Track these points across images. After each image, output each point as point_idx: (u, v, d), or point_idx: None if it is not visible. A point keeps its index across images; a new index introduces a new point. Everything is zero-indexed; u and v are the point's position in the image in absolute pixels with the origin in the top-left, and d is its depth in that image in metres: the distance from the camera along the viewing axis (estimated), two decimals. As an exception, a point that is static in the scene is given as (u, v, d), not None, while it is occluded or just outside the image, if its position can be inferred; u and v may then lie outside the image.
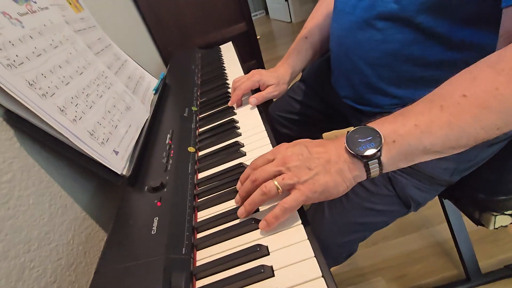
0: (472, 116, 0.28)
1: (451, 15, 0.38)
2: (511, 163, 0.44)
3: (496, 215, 0.44)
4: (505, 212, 0.43)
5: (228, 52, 0.98)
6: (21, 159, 0.35)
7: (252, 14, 4.61)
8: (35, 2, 0.44)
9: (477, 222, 0.47)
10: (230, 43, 1.05)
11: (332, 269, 0.71)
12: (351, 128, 0.34)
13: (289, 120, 0.82)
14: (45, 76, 0.39)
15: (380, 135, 0.31)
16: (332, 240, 0.51)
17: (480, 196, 0.45)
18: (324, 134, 0.90)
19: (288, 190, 0.32)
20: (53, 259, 0.35)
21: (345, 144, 0.32)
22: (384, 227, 0.51)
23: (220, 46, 1.05)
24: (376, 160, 0.31)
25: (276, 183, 0.32)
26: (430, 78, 0.44)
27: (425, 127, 0.30)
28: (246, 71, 0.84)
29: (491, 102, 0.28)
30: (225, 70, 0.83)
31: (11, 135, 0.35)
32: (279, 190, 0.32)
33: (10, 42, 0.36)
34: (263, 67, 1.29)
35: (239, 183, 0.38)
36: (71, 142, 0.38)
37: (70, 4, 0.56)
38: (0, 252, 0.29)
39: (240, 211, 0.34)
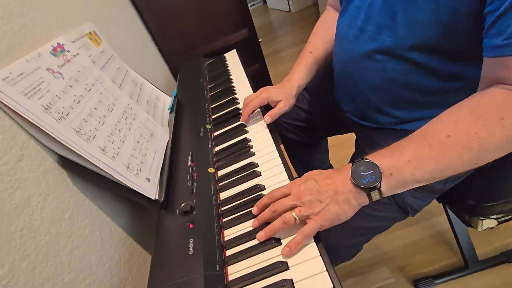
0: (455, 154, 0.35)
1: (440, 53, 0.43)
2: (497, 173, 0.49)
3: (483, 219, 0.50)
4: (491, 217, 0.49)
5: (233, 61, 1.02)
6: (75, 196, 0.42)
7: (250, 4, 4.57)
8: (68, 51, 0.49)
9: (468, 224, 0.54)
10: (234, 51, 1.09)
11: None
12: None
13: (295, 127, 0.87)
14: (86, 121, 0.45)
15: (379, 169, 0.37)
16: (340, 243, 0.58)
17: (470, 202, 0.51)
18: (330, 139, 0.96)
19: (303, 220, 0.39)
20: (108, 278, 0.43)
21: (351, 177, 0.38)
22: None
23: (224, 55, 1.09)
24: (377, 190, 0.37)
25: (294, 214, 0.39)
26: (425, 102, 0.49)
27: (417, 163, 0.36)
28: (251, 76, 0.89)
29: (472, 144, 0.34)
30: (232, 82, 0.88)
31: (65, 177, 0.41)
32: (296, 221, 0.39)
33: (57, 95, 0.42)
34: (266, 70, 1.33)
35: (255, 208, 0.44)
36: (113, 177, 0.44)
37: (91, 39, 0.62)
38: (72, 278, 0.36)
39: (260, 235, 0.41)
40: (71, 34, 0.54)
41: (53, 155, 0.40)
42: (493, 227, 0.51)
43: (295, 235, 0.39)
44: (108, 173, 0.43)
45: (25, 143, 0.37)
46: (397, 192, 0.39)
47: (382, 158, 0.38)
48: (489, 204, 0.49)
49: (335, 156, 1.19)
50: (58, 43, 0.48)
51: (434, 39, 0.41)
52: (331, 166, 1.10)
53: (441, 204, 0.82)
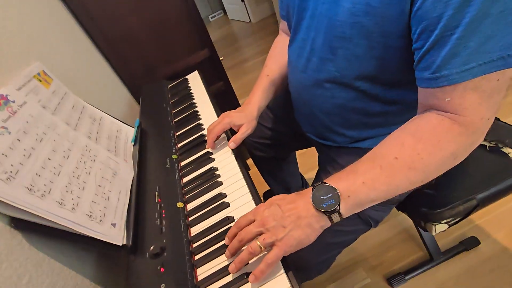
0: (403, 175, 0.38)
1: (380, 82, 0.47)
2: (442, 181, 0.54)
3: (436, 225, 0.55)
4: (441, 222, 0.54)
5: (196, 83, 1.02)
6: (32, 257, 0.39)
7: (211, 16, 4.59)
8: (14, 101, 0.47)
9: (423, 229, 0.59)
10: (196, 73, 1.09)
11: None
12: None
13: (262, 144, 0.89)
14: (39, 175, 0.42)
15: (337, 192, 0.40)
16: (313, 260, 0.60)
17: (423, 210, 0.56)
18: (297, 152, 0.99)
19: (269, 246, 0.40)
20: (77, 337, 0.41)
21: (311, 202, 0.40)
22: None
23: (187, 77, 1.09)
24: (337, 212, 0.40)
25: (258, 243, 0.40)
26: (373, 123, 0.53)
27: (371, 185, 0.39)
28: (215, 94, 0.90)
29: (416, 164, 0.38)
30: (196, 106, 0.88)
31: (20, 238, 0.39)
32: (261, 248, 0.40)
33: (3, 154, 0.40)
34: (230, 87, 1.34)
35: (226, 238, 0.45)
36: (74, 230, 0.42)
37: (41, 81, 0.59)
38: None
39: (231, 268, 0.42)
40: (16, 81, 0.51)
41: (3, 218, 0.38)
42: (445, 230, 0.56)
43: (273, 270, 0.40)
44: (68, 227, 0.41)
45: (-30, 212, 0.34)
46: (355, 212, 0.41)
47: (339, 181, 0.41)
48: (439, 210, 0.54)
49: (305, 164, 1.23)
50: (1, 95, 0.45)
51: (371, 70, 0.45)
52: (301, 175, 1.13)
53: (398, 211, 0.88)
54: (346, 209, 0.40)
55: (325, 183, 0.41)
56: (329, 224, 0.41)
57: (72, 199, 0.45)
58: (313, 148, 0.77)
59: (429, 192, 0.56)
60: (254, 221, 0.42)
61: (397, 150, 0.39)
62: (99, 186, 0.52)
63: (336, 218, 0.40)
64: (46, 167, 0.45)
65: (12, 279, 0.35)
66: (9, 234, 0.38)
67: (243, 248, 0.42)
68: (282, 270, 0.40)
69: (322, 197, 0.40)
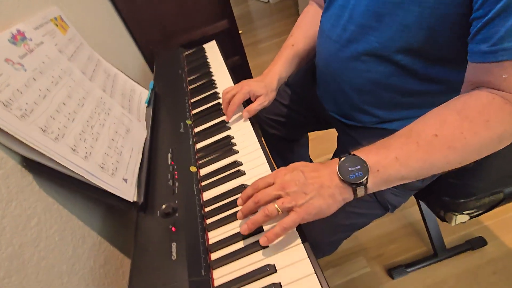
0: (441, 154, 0.35)
1: (424, 57, 0.44)
2: (470, 170, 0.52)
3: (457, 215, 0.53)
4: (464, 212, 0.52)
5: (213, 53, 0.99)
6: (42, 201, 0.38)
7: (228, -7, 4.46)
8: (31, 40, 0.44)
9: (442, 219, 0.57)
10: (213, 42, 1.06)
11: (320, 257, 0.80)
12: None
13: (276, 122, 0.86)
14: (53, 118, 0.40)
15: (366, 165, 0.37)
16: (321, 240, 0.58)
17: (445, 199, 0.54)
18: (310, 134, 0.96)
19: (287, 211, 0.38)
20: (83, 286, 0.40)
21: (337, 172, 0.38)
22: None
23: (204, 46, 1.05)
24: (363, 186, 0.37)
25: (276, 206, 0.38)
26: (407, 103, 0.50)
27: (404, 161, 0.36)
28: (230, 68, 0.86)
29: (457, 144, 0.35)
30: (213, 75, 0.85)
31: (30, 180, 0.37)
32: (279, 212, 0.38)
33: (18, 90, 0.37)
34: (246, 62, 1.30)
35: (240, 199, 0.43)
36: (86, 178, 0.40)
37: (57, 26, 0.56)
38: (42, 291, 0.33)
39: (243, 228, 0.40)
40: (33, 20, 0.48)
41: (15, 157, 0.36)
42: (465, 222, 0.54)
43: (289, 240, 0.39)
44: (80, 175, 0.40)
45: (-19, 144, 0.32)
46: (381, 189, 0.39)
47: (369, 154, 0.38)
48: (463, 200, 0.52)
49: (314, 150, 1.20)
50: (18, 30, 0.42)
51: (418, 42, 0.42)
52: (311, 161, 1.11)
53: (413, 197, 0.86)
54: (374, 184, 0.37)
55: (354, 154, 0.39)
56: (352, 197, 0.39)
57: (85, 147, 0.43)
58: (325, 134, 0.74)
59: (453, 182, 0.53)
60: (273, 184, 0.40)
61: (438, 127, 0.36)
62: (112, 140, 0.50)
63: (361, 192, 0.38)
64: (60, 111, 0.42)
65: (21, 218, 0.34)
66: (20, 173, 0.36)
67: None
68: (299, 240, 0.39)
69: (349, 168, 0.38)
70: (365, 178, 0.37)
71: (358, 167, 0.37)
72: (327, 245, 0.60)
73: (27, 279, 0.32)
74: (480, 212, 0.53)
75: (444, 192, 0.55)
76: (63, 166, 0.38)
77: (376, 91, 0.50)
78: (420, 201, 0.83)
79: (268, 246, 0.39)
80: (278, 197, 0.39)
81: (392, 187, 0.54)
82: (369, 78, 0.49)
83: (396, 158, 0.37)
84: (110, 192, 0.43)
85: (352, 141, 0.60)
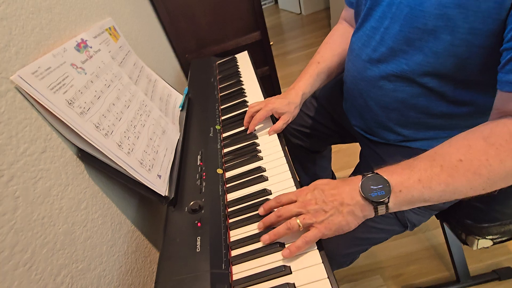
0: (465, 179, 0.36)
1: (452, 80, 0.45)
2: (497, 195, 0.51)
3: (479, 239, 0.51)
4: (487, 237, 0.51)
5: (244, 63, 1.04)
6: (90, 188, 0.43)
7: (262, 3, 4.57)
8: (91, 47, 0.51)
9: (463, 242, 0.55)
10: (245, 53, 1.11)
11: (335, 269, 0.80)
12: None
13: (301, 133, 0.89)
14: (105, 117, 0.46)
15: (389, 185, 0.38)
16: (338, 251, 0.59)
17: (468, 222, 0.53)
18: (333, 146, 0.98)
19: (307, 227, 0.41)
20: (117, 267, 0.44)
21: (360, 189, 0.40)
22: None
23: (236, 56, 1.11)
24: (385, 205, 0.39)
25: (298, 221, 0.40)
26: (433, 124, 0.51)
27: (427, 183, 0.37)
28: (259, 78, 0.90)
29: (482, 170, 0.35)
30: (243, 84, 0.90)
31: (82, 169, 0.43)
32: (300, 227, 0.41)
33: (79, 91, 0.43)
34: (275, 73, 1.34)
35: (262, 209, 0.46)
36: (127, 172, 0.46)
37: (111, 35, 0.63)
38: (86, 266, 0.38)
39: (264, 238, 0.43)
40: (92, 30, 0.55)
41: (72, 148, 0.42)
42: (488, 247, 0.53)
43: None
44: (123, 168, 0.45)
45: (49, 135, 0.38)
46: (403, 209, 0.40)
47: (392, 174, 0.39)
48: (486, 225, 0.51)
49: (337, 163, 1.21)
50: (82, 39, 0.49)
51: (447, 68, 0.43)
52: (332, 173, 1.11)
53: (438, 219, 0.84)
54: (395, 204, 0.39)
55: (377, 173, 0.40)
56: (373, 214, 0.40)
57: (128, 144, 0.48)
58: (348, 147, 0.75)
59: (478, 205, 0.53)
60: (295, 201, 0.43)
61: (463, 152, 0.37)
62: (150, 139, 0.55)
63: (382, 210, 0.39)
64: (110, 111, 0.48)
65: (74, 201, 0.39)
66: (75, 162, 0.42)
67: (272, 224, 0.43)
68: (315, 247, 0.41)
69: (372, 187, 0.39)
70: (387, 197, 0.38)
71: (380, 186, 0.39)
72: (343, 257, 0.61)
73: (76, 254, 0.37)
74: (504, 238, 0.52)
75: (467, 215, 0.54)
76: (110, 159, 0.43)
77: (403, 110, 0.51)
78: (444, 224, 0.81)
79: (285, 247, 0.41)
80: (299, 213, 0.42)
81: (413, 206, 0.54)
82: (396, 97, 0.50)
83: (419, 180, 0.37)
84: (145, 186, 0.48)
85: (375, 157, 0.61)
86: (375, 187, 0.39)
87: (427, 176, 0.37)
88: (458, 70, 0.42)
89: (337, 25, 0.76)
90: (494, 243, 0.53)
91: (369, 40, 0.52)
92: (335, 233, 0.40)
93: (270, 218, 0.44)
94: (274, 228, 0.43)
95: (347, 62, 0.61)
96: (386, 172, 0.40)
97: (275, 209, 0.45)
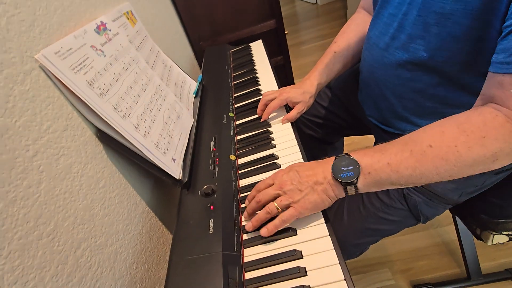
0: (432, 165, 0.36)
1: (471, 69, 0.43)
2: (514, 190, 0.50)
3: (495, 234, 0.50)
4: (503, 232, 0.50)
5: (258, 52, 1.03)
6: (108, 168, 0.45)
7: (276, -7, 4.50)
8: (110, 30, 0.51)
9: (478, 237, 0.54)
10: (260, 42, 1.10)
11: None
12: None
13: (314, 123, 0.88)
14: (123, 99, 0.47)
15: (359, 166, 0.39)
16: (348, 241, 0.60)
17: (483, 217, 0.52)
18: (345, 138, 0.97)
19: (285, 208, 0.42)
20: (132, 245, 0.46)
21: (331, 170, 0.41)
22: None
23: (250, 44, 1.10)
24: (353, 185, 0.40)
25: (275, 204, 0.42)
26: (449, 114, 0.49)
27: (395, 167, 0.38)
28: (273, 67, 0.90)
29: (450, 156, 0.35)
30: (257, 72, 0.89)
31: (101, 149, 0.44)
32: (278, 210, 0.42)
33: (99, 72, 0.44)
34: (289, 63, 1.33)
35: (246, 201, 0.47)
36: (143, 153, 0.47)
37: (128, 19, 0.64)
38: (103, 242, 0.39)
39: (248, 226, 0.44)
40: (111, 13, 0.56)
41: (92, 128, 0.43)
42: (503, 243, 0.52)
43: (311, 226, 0.42)
44: (139, 150, 0.46)
45: (70, 115, 0.39)
46: (372, 190, 0.41)
47: (364, 156, 0.41)
48: (503, 220, 0.50)
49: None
50: (101, 22, 0.50)
51: (466, 54, 0.41)
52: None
53: (450, 215, 0.82)
54: (364, 185, 0.40)
55: (349, 155, 0.41)
56: (343, 194, 0.41)
57: (145, 127, 0.49)
58: (361, 140, 0.74)
59: (495, 201, 0.51)
60: (272, 184, 0.44)
61: (434, 138, 0.37)
62: (166, 123, 0.56)
63: (351, 190, 0.40)
64: (128, 94, 0.49)
65: (93, 179, 0.41)
66: (94, 142, 0.43)
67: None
68: (327, 233, 0.41)
69: (342, 168, 0.40)
70: (355, 178, 0.39)
71: (350, 167, 0.40)
72: (353, 247, 0.61)
73: (95, 229, 0.39)
74: (521, 235, 0.51)
75: (483, 209, 0.53)
76: (127, 140, 0.44)
77: (419, 99, 0.50)
78: (457, 219, 0.80)
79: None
80: (277, 195, 0.43)
81: (427, 199, 0.53)
82: (413, 86, 0.49)
83: (388, 163, 0.38)
84: (160, 168, 0.49)
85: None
86: (345, 168, 0.40)
87: (396, 160, 0.38)
88: (477, 56, 0.41)
89: (355, 14, 0.74)
90: (510, 239, 0.51)
91: (387, 27, 0.51)
92: (312, 212, 0.42)
93: (251, 205, 0.45)
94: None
95: (363, 50, 0.60)
96: (358, 154, 0.41)
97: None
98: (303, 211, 0.41)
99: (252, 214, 0.46)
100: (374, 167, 0.39)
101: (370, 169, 0.39)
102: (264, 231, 0.42)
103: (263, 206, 0.44)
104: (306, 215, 0.42)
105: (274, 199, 0.43)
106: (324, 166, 0.42)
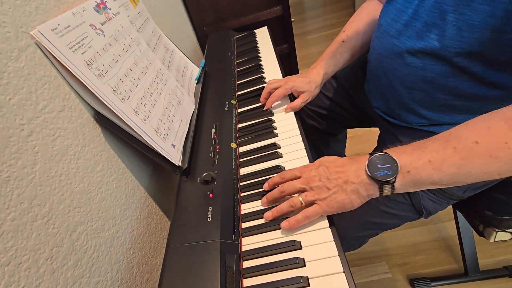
0: (480, 162, 0.34)
1: (485, 60, 0.41)
2: (520, 188, 0.48)
3: (498, 231, 0.50)
4: (506, 230, 0.49)
5: (263, 39, 1.00)
6: (106, 151, 0.44)
7: (283, -20, 4.38)
8: (110, 9, 0.49)
9: (480, 234, 0.54)
10: (265, 28, 1.07)
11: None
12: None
13: (317, 114, 0.86)
14: (122, 81, 0.46)
15: (397, 164, 0.37)
16: (348, 234, 0.59)
17: (488, 213, 0.51)
18: (348, 131, 0.95)
19: (309, 204, 0.40)
20: (129, 231, 0.45)
21: (366, 168, 0.39)
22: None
23: (255, 31, 1.07)
24: (390, 185, 0.37)
25: (300, 199, 0.40)
26: (460, 107, 0.47)
27: (438, 165, 0.35)
28: (278, 56, 0.88)
29: (499, 153, 0.33)
30: (261, 60, 0.87)
31: (99, 132, 0.43)
32: (302, 204, 0.40)
33: (98, 52, 0.43)
34: (294, 52, 1.30)
35: (266, 184, 0.46)
36: (142, 138, 0.46)
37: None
38: (100, 226, 0.39)
39: (267, 215, 0.43)
40: (112, -8, 0.54)
41: (90, 110, 0.42)
42: (505, 240, 0.51)
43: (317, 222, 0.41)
44: (138, 134, 0.45)
45: (67, 95, 0.38)
46: (410, 191, 0.39)
47: (402, 154, 0.38)
48: (507, 217, 0.49)
49: (351, 149, 1.18)
50: (101, 0, 0.48)
51: (483, 44, 0.39)
52: (345, 157, 1.09)
53: (450, 211, 0.82)
54: (402, 184, 0.37)
55: (386, 153, 0.39)
56: (377, 194, 0.39)
57: (145, 111, 0.48)
58: (364, 133, 0.72)
59: (500, 197, 0.50)
60: (299, 177, 0.42)
61: (480, 133, 0.34)
62: (166, 108, 0.55)
63: (387, 190, 0.38)
64: (128, 76, 0.48)
65: (90, 162, 0.40)
66: (92, 124, 0.42)
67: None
68: (327, 225, 0.40)
69: (379, 166, 0.38)
70: (393, 177, 0.37)
71: (388, 165, 0.37)
72: (352, 240, 0.61)
73: (91, 213, 0.38)
74: (525, 233, 0.50)
75: (488, 206, 0.52)
76: (126, 124, 0.43)
77: (429, 90, 0.48)
78: (458, 215, 0.79)
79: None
80: (303, 190, 0.41)
81: (430, 193, 0.52)
82: (424, 76, 0.47)
83: (429, 161, 0.36)
84: (160, 154, 0.48)
85: (394, 141, 0.59)
86: (382, 166, 0.37)
87: (438, 158, 0.35)
88: (494, 46, 0.39)
89: (366, 2, 0.71)
90: (513, 237, 0.51)
91: (400, 14, 0.48)
92: (337, 211, 0.40)
93: (274, 193, 0.43)
94: (278, 205, 0.42)
95: (373, 39, 0.58)
96: (395, 152, 0.38)
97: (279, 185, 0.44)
98: (328, 210, 0.39)
99: (271, 202, 0.44)
100: (414, 165, 0.36)
101: (409, 167, 0.37)
102: (285, 225, 0.40)
103: (285, 196, 0.42)
104: (330, 214, 0.41)
105: (298, 192, 0.41)
106: (357, 164, 0.40)
